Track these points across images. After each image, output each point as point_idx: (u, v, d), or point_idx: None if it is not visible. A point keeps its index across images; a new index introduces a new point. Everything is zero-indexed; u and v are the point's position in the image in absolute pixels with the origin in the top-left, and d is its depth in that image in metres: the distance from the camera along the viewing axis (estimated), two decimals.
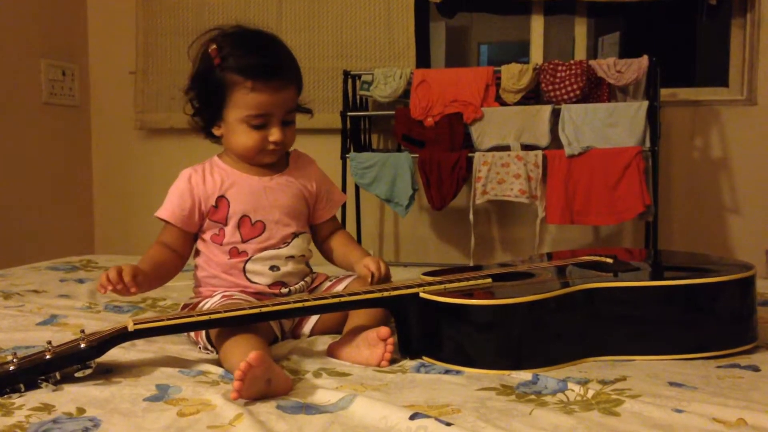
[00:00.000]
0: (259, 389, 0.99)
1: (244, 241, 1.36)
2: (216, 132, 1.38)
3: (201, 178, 1.36)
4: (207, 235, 1.38)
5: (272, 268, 1.37)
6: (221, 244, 1.36)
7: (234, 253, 1.36)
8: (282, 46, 1.37)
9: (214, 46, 1.31)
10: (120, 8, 3.53)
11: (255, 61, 1.30)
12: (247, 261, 1.35)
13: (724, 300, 1.23)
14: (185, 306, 1.40)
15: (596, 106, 2.77)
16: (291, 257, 1.39)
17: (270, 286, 1.36)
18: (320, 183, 1.46)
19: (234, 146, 1.36)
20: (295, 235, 1.40)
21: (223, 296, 1.31)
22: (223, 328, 1.17)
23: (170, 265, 1.36)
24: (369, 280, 1.31)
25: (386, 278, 1.34)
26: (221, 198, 1.35)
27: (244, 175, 1.38)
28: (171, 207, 1.35)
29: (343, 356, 1.21)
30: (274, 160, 1.39)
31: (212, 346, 1.23)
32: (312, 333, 1.38)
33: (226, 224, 1.35)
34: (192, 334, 1.30)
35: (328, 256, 1.50)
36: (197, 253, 1.41)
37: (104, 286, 1.21)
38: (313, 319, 1.38)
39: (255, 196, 1.36)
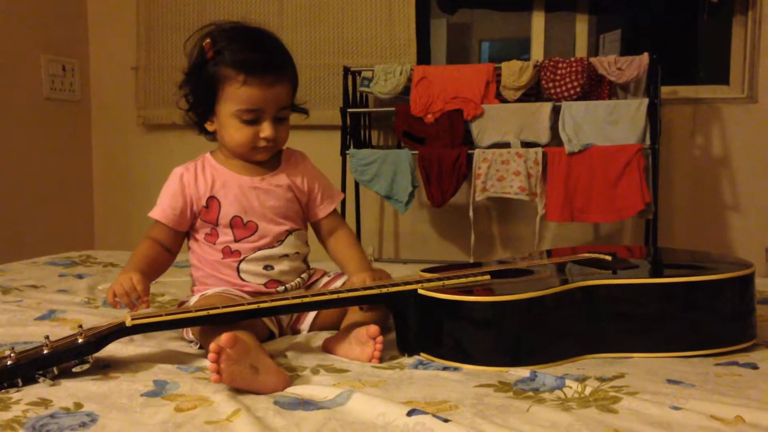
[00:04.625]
0: (243, 375, 0.99)
1: (237, 241, 1.35)
2: (209, 127, 1.37)
3: (193, 177, 1.36)
4: (200, 235, 1.37)
5: (266, 267, 1.36)
6: (214, 244, 1.36)
7: (227, 252, 1.35)
8: (278, 44, 1.36)
9: (208, 40, 1.31)
10: (120, 3, 3.53)
11: (248, 56, 1.29)
12: (240, 261, 1.35)
13: (724, 298, 1.23)
14: (182, 303, 1.40)
15: (597, 104, 2.77)
16: (285, 256, 1.38)
17: (266, 284, 1.36)
18: (313, 180, 1.43)
19: (226, 142, 1.35)
20: (289, 232, 1.39)
21: (201, 296, 1.30)
22: (212, 325, 1.16)
23: (164, 263, 1.36)
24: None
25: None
26: (212, 198, 1.35)
27: (235, 175, 1.36)
28: (162, 207, 1.35)
29: (337, 351, 1.21)
30: (266, 158, 1.37)
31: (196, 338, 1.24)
32: (311, 329, 1.38)
33: (217, 224, 1.35)
34: None
35: (331, 255, 1.48)
36: (191, 251, 1.41)
37: (119, 300, 1.21)
38: (312, 314, 1.38)
39: (245, 198, 1.35)
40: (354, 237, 1.48)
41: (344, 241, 1.45)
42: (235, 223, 1.35)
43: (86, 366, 1.06)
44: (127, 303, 1.21)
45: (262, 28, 1.37)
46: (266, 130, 1.32)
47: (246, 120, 1.31)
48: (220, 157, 1.39)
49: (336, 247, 1.45)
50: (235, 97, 1.29)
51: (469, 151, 2.83)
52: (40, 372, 1.02)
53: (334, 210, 1.47)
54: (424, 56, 3.28)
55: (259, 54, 1.31)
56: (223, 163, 1.38)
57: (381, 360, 1.16)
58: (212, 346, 0.98)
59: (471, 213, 2.87)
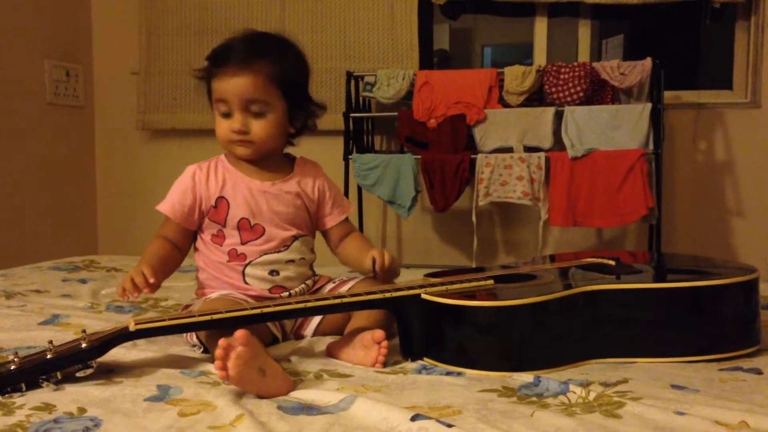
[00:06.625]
0: (251, 376, 0.99)
1: (243, 243, 1.35)
2: None
3: (205, 176, 1.37)
4: (206, 235, 1.37)
5: (272, 272, 1.36)
6: (221, 245, 1.36)
7: (233, 254, 1.35)
8: (259, 39, 1.37)
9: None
10: (124, 8, 3.54)
11: (218, 49, 1.33)
12: (246, 265, 1.35)
13: (727, 303, 1.22)
14: (186, 307, 1.40)
15: (599, 108, 2.77)
16: (291, 261, 1.38)
17: (270, 290, 1.36)
18: (324, 189, 1.43)
19: None
20: (296, 238, 1.39)
21: (206, 299, 1.31)
22: (218, 329, 1.15)
23: (173, 261, 1.37)
24: (371, 267, 1.30)
25: (392, 270, 1.34)
26: (221, 199, 1.35)
27: (246, 178, 1.37)
28: (172, 202, 1.36)
29: (341, 356, 1.21)
30: (246, 154, 1.35)
31: (200, 342, 1.24)
32: (315, 334, 1.38)
33: (224, 225, 1.35)
34: None
35: (343, 260, 1.48)
36: (197, 252, 1.41)
37: (129, 292, 1.21)
38: (316, 320, 1.38)
39: (254, 201, 1.35)
40: (364, 237, 1.50)
41: (354, 240, 1.46)
42: (242, 226, 1.35)
43: (90, 371, 1.06)
44: (132, 288, 1.21)
45: (265, 32, 1.39)
46: (234, 122, 1.32)
47: (220, 113, 1.33)
48: (232, 159, 1.40)
49: (347, 243, 1.46)
50: (212, 90, 1.33)
51: (472, 156, 2.83)
52: (44, 377, 1.02)
53: (346, 219, 1.47)
54: (426, 61, 3.29)
55: (228, 46, 1.33)
56: (235, 165, 1.39)
57: (384, 365, 1.16)
58: (221, 341, 0.98)
59: (474, 218, 2.86)
